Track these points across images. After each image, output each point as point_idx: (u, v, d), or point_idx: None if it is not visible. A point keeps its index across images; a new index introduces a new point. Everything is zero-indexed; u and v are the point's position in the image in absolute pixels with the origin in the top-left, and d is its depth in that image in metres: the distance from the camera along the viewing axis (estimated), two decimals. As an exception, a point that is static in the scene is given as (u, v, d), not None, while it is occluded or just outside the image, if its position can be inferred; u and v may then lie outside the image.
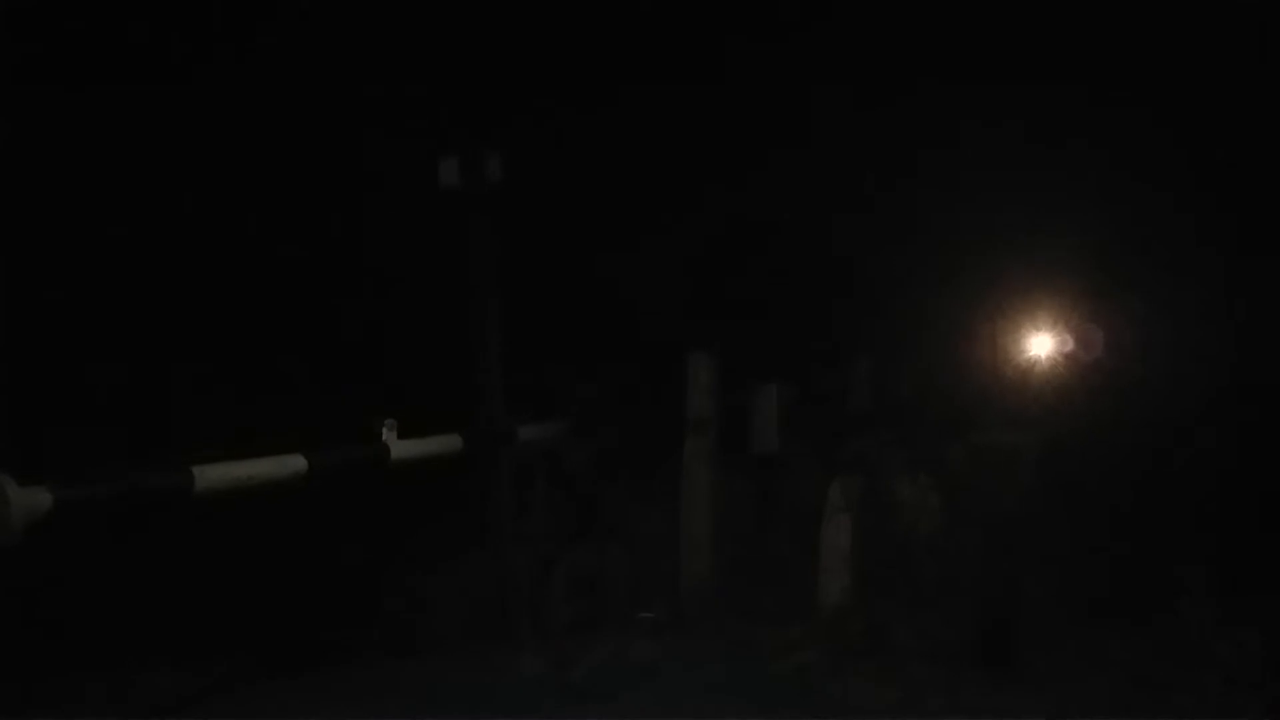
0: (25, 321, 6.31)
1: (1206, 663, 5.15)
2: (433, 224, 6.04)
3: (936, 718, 4.85)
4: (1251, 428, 6.25)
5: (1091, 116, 6.69)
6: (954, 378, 6.60)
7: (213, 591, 6.15)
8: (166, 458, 3.90)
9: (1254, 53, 6.30)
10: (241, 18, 6.77)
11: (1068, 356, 6.54)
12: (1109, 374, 6.39)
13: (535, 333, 6.15)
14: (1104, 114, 6.65)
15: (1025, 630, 5.48)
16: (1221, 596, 5.63)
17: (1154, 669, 5.13)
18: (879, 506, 6.18)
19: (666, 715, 4.91)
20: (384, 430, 4.95)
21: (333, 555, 6.33)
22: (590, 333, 6.69)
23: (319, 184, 6.78)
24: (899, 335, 6.75)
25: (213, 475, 3.89)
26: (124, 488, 3.61)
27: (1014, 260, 6.63)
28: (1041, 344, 6.58)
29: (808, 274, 6.88)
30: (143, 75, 6.60)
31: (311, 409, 6.04)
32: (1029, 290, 6.72)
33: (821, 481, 6.14)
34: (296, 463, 4.33)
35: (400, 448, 5.00)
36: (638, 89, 6.89)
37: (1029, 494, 5.88)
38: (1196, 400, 6.34)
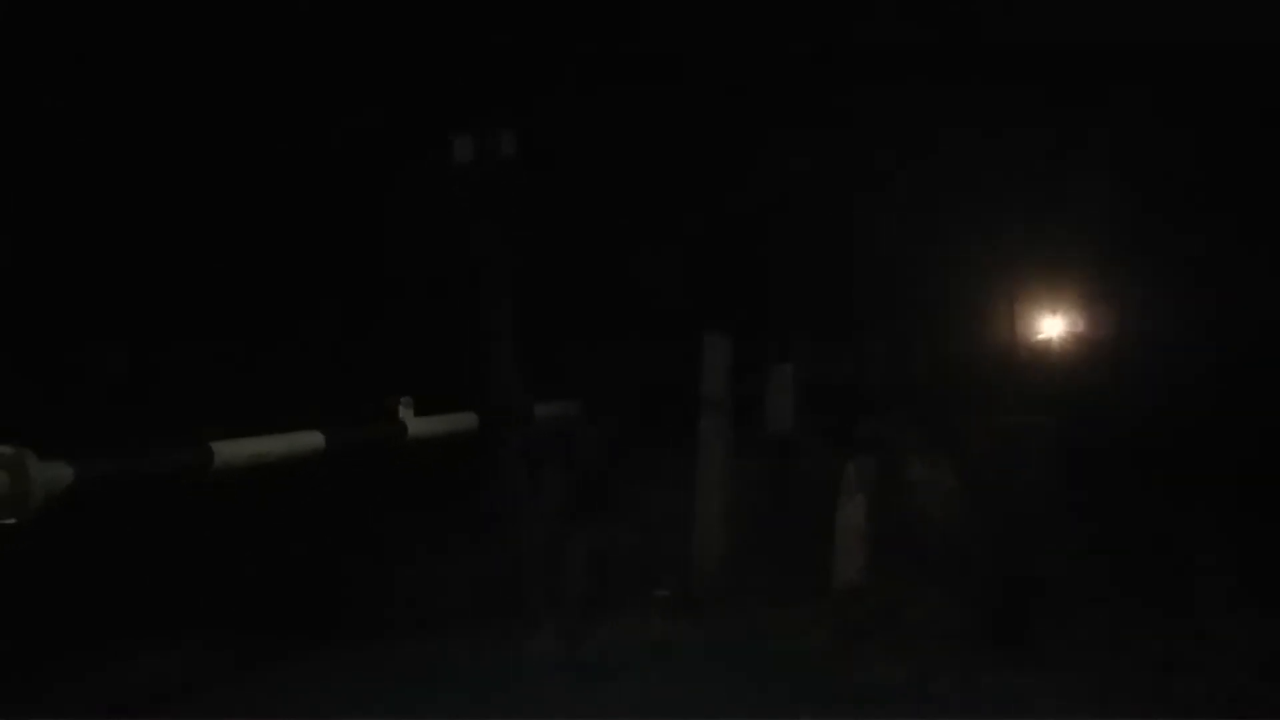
0: (45, 302, 6.33)
1: (1221, 644, 5.14)
2: (447, 203, 6.04)
3: (948, 697, 4.86)
4: (1271, 410, 6.22)
5: (1109, 101, 6.63)
6: (969, 358, 6.58)
7: (228, 569, 6.20)
8: (185, 434, 3.91)
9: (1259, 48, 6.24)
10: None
11: (1082, 337, 6.52)
12: (1125, 355, 6.36)
13: (550, 313, 6.15)
14: (1122, 98, 6.60)
15: (1039, 611, 5.48)
16: (1237, 578, 5.62)
17: (1168, 650, 5.12)
18: (893, 487, 6.18)
19: (679, 693, 4.93)
20: (400, 408, 4.96)
21: (347, 533, 6.36)
22: (605, 313, 6.68)
23: (332, 165, 6.78)
24: (915, 316, 6.72)
25: (231, 452, 3.90)
26: (144, 463, 3.63)
27: (1030, 241, 6.60)
28: (1056, 325, 6.55)
29: (824, 255, 6.85)
30: (141, 68, 6.58)
31: (329, 387, 6.06)
32: (1045, 271, 6.69)
33: (836, 462, 6.14)
34: (314, 439, 4.35)
35: (417, 425, 5.00)
36: (652, 71, 6.86)
37: (1043, 475, 5.87)
38: (1215, 383, 6.31)
